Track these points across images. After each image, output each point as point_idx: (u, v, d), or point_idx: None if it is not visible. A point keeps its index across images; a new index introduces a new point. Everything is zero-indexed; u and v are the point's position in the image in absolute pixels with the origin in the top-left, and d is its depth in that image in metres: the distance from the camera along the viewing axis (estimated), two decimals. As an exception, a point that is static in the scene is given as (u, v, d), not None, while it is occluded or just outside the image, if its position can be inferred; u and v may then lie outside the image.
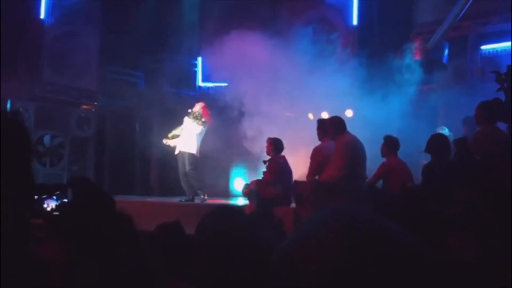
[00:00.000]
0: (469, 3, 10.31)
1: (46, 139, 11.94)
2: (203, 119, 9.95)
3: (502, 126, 6.54)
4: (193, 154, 9.99)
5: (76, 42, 12.36)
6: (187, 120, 10.05)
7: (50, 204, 9.12)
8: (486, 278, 2.01)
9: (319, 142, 8.21)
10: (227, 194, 12.62)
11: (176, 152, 10.07)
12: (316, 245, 0.98)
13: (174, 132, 10.12)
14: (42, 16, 11.98)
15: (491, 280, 2.00)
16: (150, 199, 11.32)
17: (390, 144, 7.80)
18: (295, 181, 8.36)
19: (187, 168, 9.93)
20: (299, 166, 8.86)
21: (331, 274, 0.95)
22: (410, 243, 1.01)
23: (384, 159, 7.92)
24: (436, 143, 6.78)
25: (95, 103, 12.78)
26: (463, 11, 10.46)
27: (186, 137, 9.98)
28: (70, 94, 12.37)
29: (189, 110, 10.05)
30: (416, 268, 0.98)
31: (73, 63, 12.32)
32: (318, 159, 7.94)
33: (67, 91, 12.30)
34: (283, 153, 8.81)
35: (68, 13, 12.33)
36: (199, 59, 13.39)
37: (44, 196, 9.05)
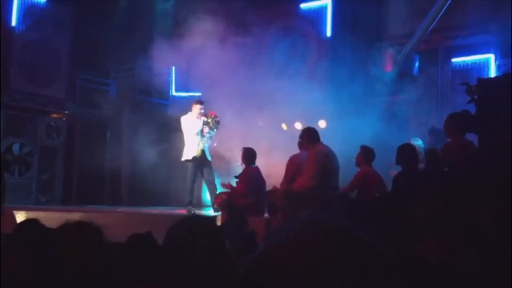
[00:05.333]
0: (438, 17, 10.49)
1: (15, 147, 11.73)
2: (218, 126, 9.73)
3: (473, 138, 6.62)
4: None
5: (47, 49, 12.23)
6: (200, 126, 9.56)
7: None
8: (453, 278, 2.02)
9: (292, 152, 8.23)
10: (200, 204, 12.54)
11: (189, 157, 9.57)
12: (288, 254, 0.96)
13: (202, 146, 9.59)
14: (12, 23, 11.81)
15: (458, 279, 2.02)
16: (120, 209, 11.18)
17: (366, 154, 7.89)
18: (268, 190, 8.36)
19: (213, 176, 9.68)
20: (272, 176, 8.85)
21: (302, 283, 0.93)
22: (381, 249, 0.99)
23: (357, 169, 7.97)
24: (403, 154, 6.89)
25: (65, 111, 12.63)
26: (433, 25, 10.64)
27: (207, 147, 9.73)
28: (39, 102, 12.20)
29: (204, 118, 9.60)
30: (386, 275, 0.96)
31: (43, 70, 12.18)
32: (292, 167, 7.96)
33: (36, 99, 12.13)
34: (256, 163, 8.80)
35: (39, 20, 12.19)
36: (173, 68, 13.33)
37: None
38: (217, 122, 9.58)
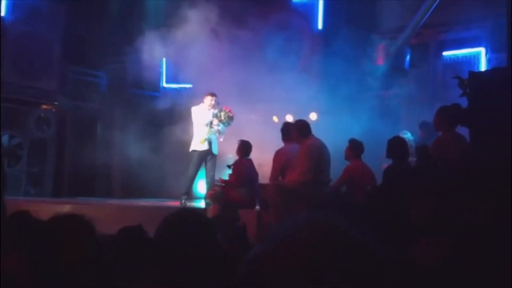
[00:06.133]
0: (430, 11, 10.50)
1: (4, 139, 11.64)
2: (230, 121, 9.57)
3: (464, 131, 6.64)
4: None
5: (37, 41, 12.13)
6: (209, 118, 9.45)
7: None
8: (450, 281, 2.02)
9: (283, 145, 8.23)
10: (191, 196, 12.53)
11: (196, 148, 9.50)
12: (287, 255, 0.95)
13: (206, 136, 9.49)
14: (2, 14, 11.69)
15: (455, 283, 2.02)
16: (111, 201, 11.16)
17: (355, 148, 7.87)
18: (260, 184, 8.35)
19: (214, 171, 9.57)
20: (264, 169, 8.85)
21: (301, 283, 0.93)
22: (380, 252, 0.99)
23: (347, 162, 7.97)
24: (393, 147, 6.89)
25: (55, 103, 12.54)
26: (425, 19, 10.65)
27: (215, 140, 9.60)
28: (29, 94, 12.10)
29: (215, 112, 9.46)
30: (386, 276, 0.96)
31: (34, 62, 12.08)
32: (279, 162, 7.95)
33: (27, 90, 12.03)
34: (250, 156, 8.79)
35: (30, 12, 12.07)
36: (164, 60, 13.26)
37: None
38: (230, 118, 9.44)
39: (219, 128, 9.51)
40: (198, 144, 9.47)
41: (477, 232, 2.09)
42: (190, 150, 9.59)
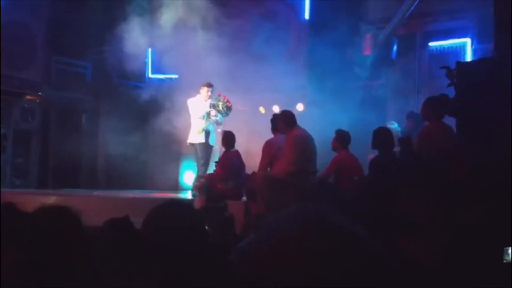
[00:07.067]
0: (417, 1, 10.50)
1: (-13, 130, 11.53)
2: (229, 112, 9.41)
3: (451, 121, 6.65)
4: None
5: (22, 31, 11.99)
6: (206, 109, 9.31)
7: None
8: (447, 281, 2.01)
9: (270, 136, 8.21)
10: (177, 187, 12.51)
11: (194, 140, 9.40)
12: (282, 248, 0.93)
13: (204, 126, 9.37)
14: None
15: (452, 282, 2.01)
16: (96, 193, 11.09)
17: (342, 138, 7.88)
18: (248, 174, 8.32)
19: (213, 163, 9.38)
20: (251, 159, 8.83)
21: (298, 278, 0.91)
22: (377, 247, 0.98)
23: (335, 153, 7.98)
24: (378, 137, 6.91)
25: (40, 93, 12.41)
26: (412, 8, 10.66)
27: (213, 131, 9.48)
28: (13, 84, 11.96)
29: (213, 102, 9.32)
30: (381, 272, 0.95)
31: (18, 52, 11.94)
32: (268, 153, 7.94)
33: (11, 81, 11.89)
34: (236, 147, 8.75)
35: (14, 1, 11.91)
36: (149, 50, 13.17)
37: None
38: (228, 108, 9.30)
39: (217, 118, 9.41)
40: (195, 135, 9.36)
41: (471, 231, 2.08)
42: (188, 142, 9.50)
